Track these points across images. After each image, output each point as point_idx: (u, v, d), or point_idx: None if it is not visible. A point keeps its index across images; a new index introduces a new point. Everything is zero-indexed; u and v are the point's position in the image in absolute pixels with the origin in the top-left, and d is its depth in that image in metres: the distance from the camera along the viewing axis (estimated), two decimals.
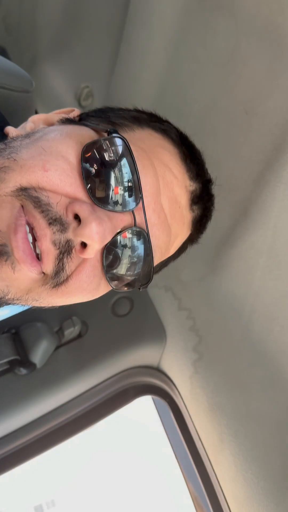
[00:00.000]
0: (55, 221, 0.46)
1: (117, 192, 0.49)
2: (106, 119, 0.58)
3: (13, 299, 0.50)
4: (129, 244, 0.51)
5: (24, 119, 0.61)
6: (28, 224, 0.46)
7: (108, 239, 0.48)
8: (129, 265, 0.52)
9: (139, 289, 0.56)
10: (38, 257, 0.47)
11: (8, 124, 0.62)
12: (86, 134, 0.52)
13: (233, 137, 0.85)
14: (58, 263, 0.47)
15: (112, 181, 0.49)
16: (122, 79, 1.14)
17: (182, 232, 0.59)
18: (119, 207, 0.49)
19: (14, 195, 0.46)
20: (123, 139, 0.50)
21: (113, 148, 0.50)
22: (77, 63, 1.36)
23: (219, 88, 0.86)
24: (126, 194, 0.49)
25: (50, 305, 0.54)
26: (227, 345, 0.97)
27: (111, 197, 0.49)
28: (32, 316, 1.09)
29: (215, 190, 0.65)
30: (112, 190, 0.49)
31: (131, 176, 0.50)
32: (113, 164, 0.50)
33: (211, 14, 0.83)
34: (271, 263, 0.82)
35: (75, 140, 0.50)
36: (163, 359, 1.13)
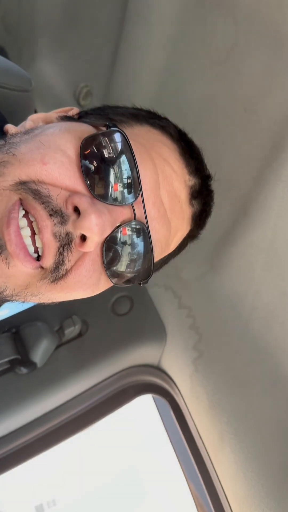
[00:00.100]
0: (56, 213, 0.46)
1: (116, 185, 0.49)
2: (105, 116, 0.58)
3: (12, 295, 0.50)
4: (129, 241, 0.51)
5: (23, 118, 0.61)
6: (29, 216, 0.46)
7: (108, 232, 0.48)
8: (129, 262, 0.52)
9: (140, 284, 0.56)
10: (39, 251, 0.47)
11: (8, 123, 0.62)
12: (85, 129, 0.52)
13: (232, 135, 0.85)
14: (58, 257, 0.47)
15: (111, 175, 0.49)
16: (121, 77, 1.14)
17: (182, 227, 0.59)
18: (118, 201, 0.49)
19: (12, 189, 0.46)
20: (121, 132, 0.50)
21: (111, 142, 0.50)
22: (76, 62, 1.36)
23: (218, 86, 0.86)
24: (126, 187, 0.49)
25: (49, 301, 0.53)
26: (227, 343, 0.97)
27: (111, 191, 0.49)
28: (32, 315, 1.09)
29: (215, 187, 0.65)
30: (112, 184, 0.49)
31: (130, 170, 0.50)
32: (112, 159, 0.50)
33: (210, 12, 0.83)
34: (271, 261, 0.82)
35: (73, 134, 0.50)
36: (163, 358, 1.13)
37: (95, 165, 0.49)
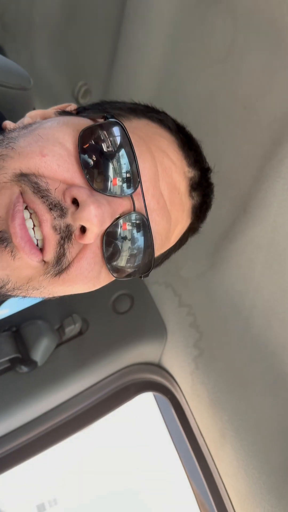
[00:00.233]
0: (55, 207, 0.46)
1: (115, 177, 0.49)
2: (103, 110, 0.58)
3: (13, 288, 0.50)
4: (129, 235, 0.51)
5: (22, 116, 0.61)
6: (28, 209, 0.46)
7: (108, 223, 0.48)
8: (129, 257, 0.52)
9: (141, 277, 0.56)
10: (38, 244, 0.47)
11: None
12: (83, 123, 0.52)
13: (231, 133, 0.85)
14: (59, 249, 0.47)
15: (110, 168, 0.49)
16: (120, 76, 1.13)
17: (182, 220, 0.59)
18: (117, 192, 0.49)
19: (14, 180, 0.46)
20: (120, 123, 0.50)
21: (110, 134, 0.50)
22: (75, 60, 1.35)
23: (217, 84, 0.86)
24: (125, 179, 0.49)
25: (50, 295, 0.53)
26: (227, 341, 0.97)
27: (110, 183, 0.49)
28: (33, 314, 1.09)
29: (215, 184, 0.65)
30: (110, 176, 0.49)
31: (129, 162, 0.49)
32: (110, 151, 0.50)
33: (209, 10, 0.83)
34: (271, 258, 0.82)
35: (71, 127, 0.50)
36: (164, 356, 1.14)
37: (94, 157, 0.49)
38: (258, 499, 0.87)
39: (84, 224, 0.46)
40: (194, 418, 1.06)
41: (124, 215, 0.50)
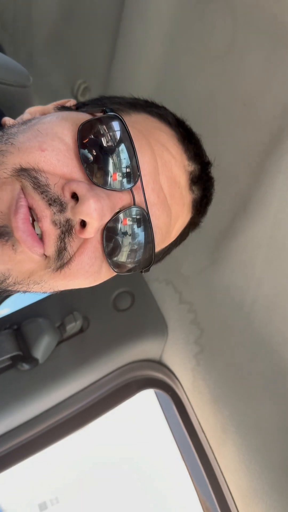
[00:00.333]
0: (54, 202, 0.46)
1: (115, 171, 0.49)
2: (102, 105, 0.58)
3: (14, 283, 0.50)
4: (129, 231, 0.51)
5: (21, 114, 0.61)
6: (28, 205, 0.46)
7: (108, 217, 0.48)
8: (130, 252, 0.52)
9: (141, 272, 0.56)
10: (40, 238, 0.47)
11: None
12: (82, 117, 0.52)
13: (231, 129, 0.85)
14: (60, 242, 0.47)
15: (110, 162, 0.49)
16: (119, 74, 1.13)
17: (183, 214, 0.59)
18: (117, 186, 0.49)
19: (14, 175, 0.46)
20: (119, 117, 0.50)
21: (109, 128, 0.50)
22: (74, 58, 1.35)
23: (217, 81, 0.86)
24: (124, 173, 0.49)
25: (51, 290, 0.53)
26: (228, 337, 0.97)
27: (109, 177, 0.49)
28: (34, 312, 1.10)
29: (215, 179, 0.65)
30: (110, 170, 0.49)
31: (128, 156, 0.49)
32: (110, 145, 0.49)
33: (208, 7, 0.83)
34: (271, 254, 0.83)
35: (70, 122, 0.50)
36: (165, 353, 1.14)
37: (93, 151, 0.49)
38: (259, 494, 0.88)
39: (84, 218, 0.46)
40: (195, 415, 1.06)
41: (124, 209, 0.50)
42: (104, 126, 0.50)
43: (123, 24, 1.05)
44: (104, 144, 0.49)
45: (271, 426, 0.88)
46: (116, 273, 0.54)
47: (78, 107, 0.60)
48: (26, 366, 1.01)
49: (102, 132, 0.50)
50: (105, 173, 0.49)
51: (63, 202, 0.46)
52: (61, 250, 0.47)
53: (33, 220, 0.47)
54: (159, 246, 0.57)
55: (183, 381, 1.09)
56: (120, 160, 0.49)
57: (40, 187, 0.46)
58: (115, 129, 0.50)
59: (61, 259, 0.48)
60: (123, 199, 0.50)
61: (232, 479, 0.97)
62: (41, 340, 1.02)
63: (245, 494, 0.93)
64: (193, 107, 0.92)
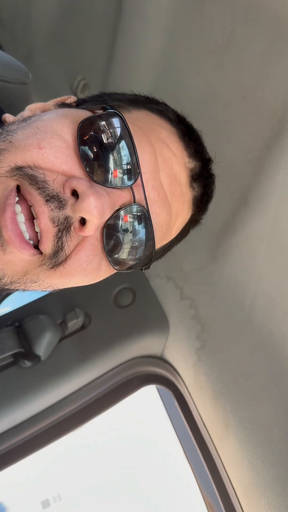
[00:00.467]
0: (53, 198, 0.46)
1: (115, 169, 0.49)
2: (102, 102, 0.58)
3: (11, 282, 0.49)
4: (130, 228, 0.50)
5: (21, 111, 0.61)
6: (26, 201, 0.46)
7: (108, 215, 0.48)
8: (130, 250, 0.52)
9: (142, 269, 0.55)
10: (38, 237, 0.47)
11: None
12: (82, 114, 0.52)
13: (231, 124, 0.85)
14: (57, 241, 0.47)
15: (110, 159, 0.49)
16: (119, 70, 1.13)
17: (183, 211, 0.59)
18: (117, 184, 0.49)
19: (9, 175, 0.46)
20: (119, 114, 0.50)
21: (109, 125, 0.50)
22: (73, 55, 1.35)
23: (216, 76, 0.86)
24: (125, 170, 0.49)
25: (49, 288, 0.53)
26: (230, 332, 0.97)
27: (109, 174, 0.49)
28: (35, 309, 1.10)
29: (216, 175, 0.65)
30: (110, 167, 0.49)
31: (128, 153, 0.49)
32: (110, 142, 0.49)
33: (206, 2, 0.83)
34: (272, 250, 0.83)
35: (70, 119, 0.50)
36: (166, 348, 1.14)
37: (93, 149, 0.48)
38: (262, 489, 0.88)
39: (84, 216, 0.46)
40: (197, 410, 1.06)
41: (124, 207, 0.50)
42: (104, 123, 0.50)
43: (122, 20, 1.05)
44: (104, 141, 0.49)
45: (273, 420, 0.88)
46: (116, 271, 0.54)
47: (78, 104, 0.60)
48: (28, 363, 1.01)
49: (102, 129, 0.49)
50: (105, 170, 0.48)
51: (62, 199, 0.46)
52: (58, 249, 0.47)
53: (33, 218, 0.46)
54: (159, 243, 0.57)
55: (185, 376, 1.09)
56: (120, 158, 0.49)
57: (38, 183, 0.46)
58: (115, 126, 0.50)
59: (55, 257, 0.48)
60: (123, 196, 0.50)
61: (234, 473, 0.98)
62: (43, 337, 1.02)
63: (247, 489, 0.93)
64: (193, 102, 0.92)
